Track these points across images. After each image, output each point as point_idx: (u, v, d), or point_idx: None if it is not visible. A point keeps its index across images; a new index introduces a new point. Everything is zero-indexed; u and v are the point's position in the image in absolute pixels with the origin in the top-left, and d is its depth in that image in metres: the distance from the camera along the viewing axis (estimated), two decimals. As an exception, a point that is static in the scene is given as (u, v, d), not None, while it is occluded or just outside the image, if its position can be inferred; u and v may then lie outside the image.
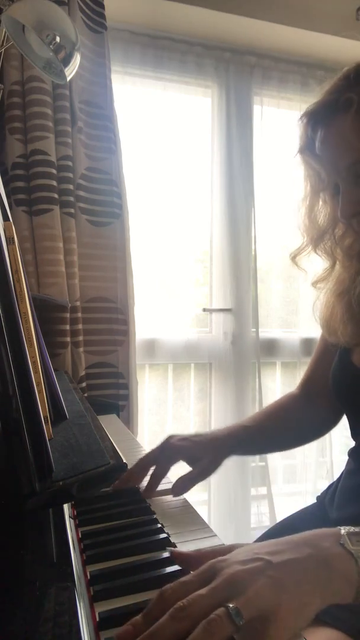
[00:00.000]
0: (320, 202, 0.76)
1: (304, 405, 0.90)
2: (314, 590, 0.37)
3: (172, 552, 0.48)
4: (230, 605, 0.34)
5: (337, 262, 0.78)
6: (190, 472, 0.73)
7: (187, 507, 0.66)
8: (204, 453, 0.75)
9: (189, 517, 0.62)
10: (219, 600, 0.35)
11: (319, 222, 0.77)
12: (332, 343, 0.79)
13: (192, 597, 0.36)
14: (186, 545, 0.54)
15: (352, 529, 0.42)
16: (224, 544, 0.51)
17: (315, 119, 0.68)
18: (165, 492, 0.69)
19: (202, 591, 0.36)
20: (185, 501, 0.68)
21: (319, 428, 0.91)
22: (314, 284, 0.82)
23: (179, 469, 0.74)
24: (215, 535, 0.57)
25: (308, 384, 0.91)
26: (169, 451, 0.74)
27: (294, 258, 0.81)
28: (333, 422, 0.89)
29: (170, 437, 0.76)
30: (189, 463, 0.75)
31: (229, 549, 0.42)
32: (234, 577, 0.36)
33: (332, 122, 0.65)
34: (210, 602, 0.35)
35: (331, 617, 0.62)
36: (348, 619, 0.61)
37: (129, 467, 0.73)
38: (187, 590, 0.37)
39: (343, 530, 0.42)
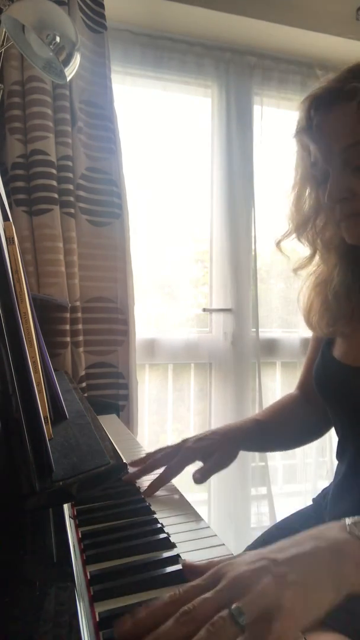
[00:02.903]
0: (307, 191, 0.76)
1: (302, 406, 0.92)
2: (323, 581, 0.37)
3: (184, 564, 0.47)
4: (233, 606, 0.34)
5: (317, 253, 0.80)
6: (206, 464, 0.75)
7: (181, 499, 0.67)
8: (218, 448, 0.77)
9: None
10: (224, 602, 0.35)
11: (304, 211, 0.77)
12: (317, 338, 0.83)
13: (197, 600, 0.35)
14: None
15: (356, 517, 0.42)
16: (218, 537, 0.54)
17: (317, 102, 0.67)
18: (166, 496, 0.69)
19: (207, 594, 0.36)
20: (182, 497, 0.69)
21: (317, 428, 0.92)
22: (295, 270, 0.84)
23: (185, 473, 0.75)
24: (203, 520, 0.61)
25: (304, 385, 0.93)
26: (185, 455, 0.74)
27: (278, 244, 0.82)
28: (329, 423, 0.89)
29: (185, 441, 0.78)
30: (203, 460, 0.76)
31: (238, 557, 0.42)
32: (237, 578, 0.36)
33: (332, 107, 0.65)
34: (214, 604, 0.35)
35: (331, 619, 0.62)
36: (347, 622, 0.61)
37: (128, 467, 0.74)
38: (194, 594, 0.36)
39: (348, 520, 0.42)
